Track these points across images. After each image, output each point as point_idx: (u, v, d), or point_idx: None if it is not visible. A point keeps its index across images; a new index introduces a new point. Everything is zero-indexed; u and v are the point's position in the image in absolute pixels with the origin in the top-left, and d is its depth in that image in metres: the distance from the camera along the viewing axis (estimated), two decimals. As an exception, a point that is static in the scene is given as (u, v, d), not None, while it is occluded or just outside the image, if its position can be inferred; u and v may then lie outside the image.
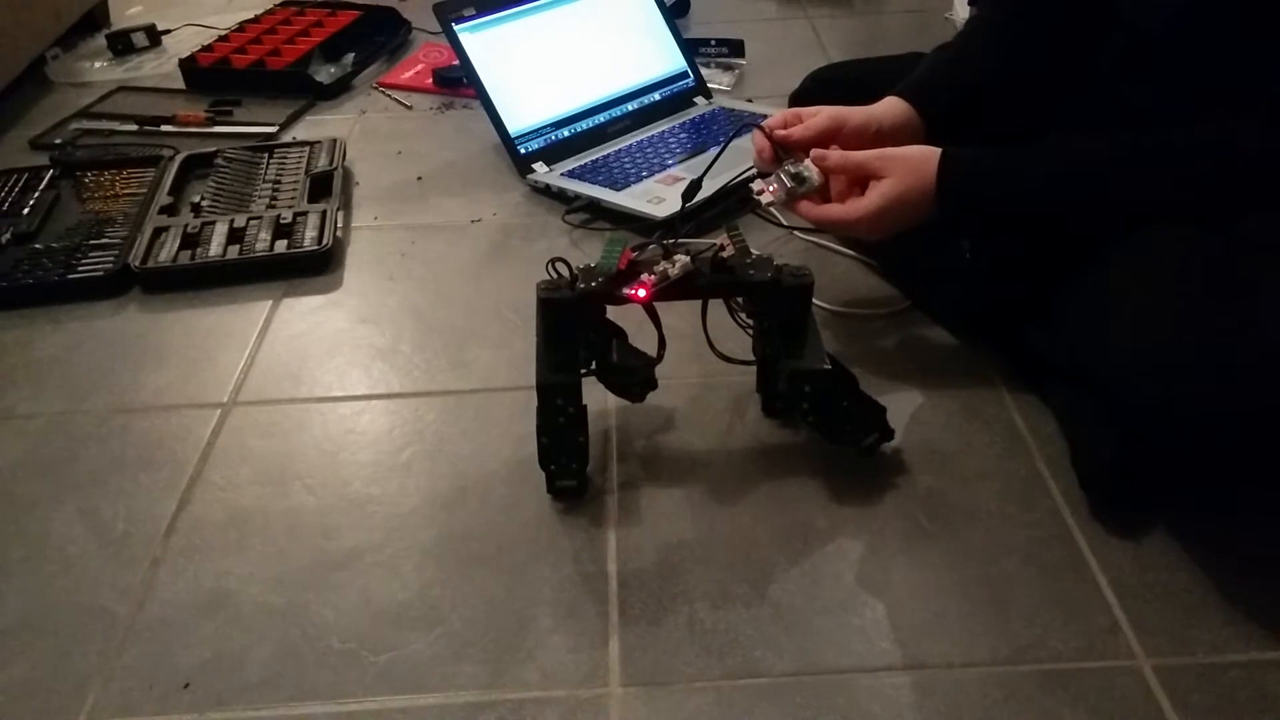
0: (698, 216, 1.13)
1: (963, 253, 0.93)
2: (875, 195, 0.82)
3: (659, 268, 0.73)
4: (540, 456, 0.78)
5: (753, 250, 0.76)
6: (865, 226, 0.84)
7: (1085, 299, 0.78)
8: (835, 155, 0.85)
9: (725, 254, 0.75)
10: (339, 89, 1.54)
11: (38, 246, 1.14)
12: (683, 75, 1.39)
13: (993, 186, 0.80)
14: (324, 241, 1.12)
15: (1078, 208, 0.78)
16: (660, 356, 0.77)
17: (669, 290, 0.74)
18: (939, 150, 0.82)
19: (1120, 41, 0.88)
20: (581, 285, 0.73)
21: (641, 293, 0.73)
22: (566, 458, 0.78)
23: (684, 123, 1.33)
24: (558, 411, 0.75)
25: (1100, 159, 0.78)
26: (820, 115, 0.89)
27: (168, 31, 1.76)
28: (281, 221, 1.15)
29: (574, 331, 0.75)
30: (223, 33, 1.68)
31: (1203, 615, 0.69)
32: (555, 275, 0.75)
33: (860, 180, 0.84)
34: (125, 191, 1.25)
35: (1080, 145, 0.79)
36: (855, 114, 0.90)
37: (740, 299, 0.80)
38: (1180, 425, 0.68)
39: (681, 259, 0.74)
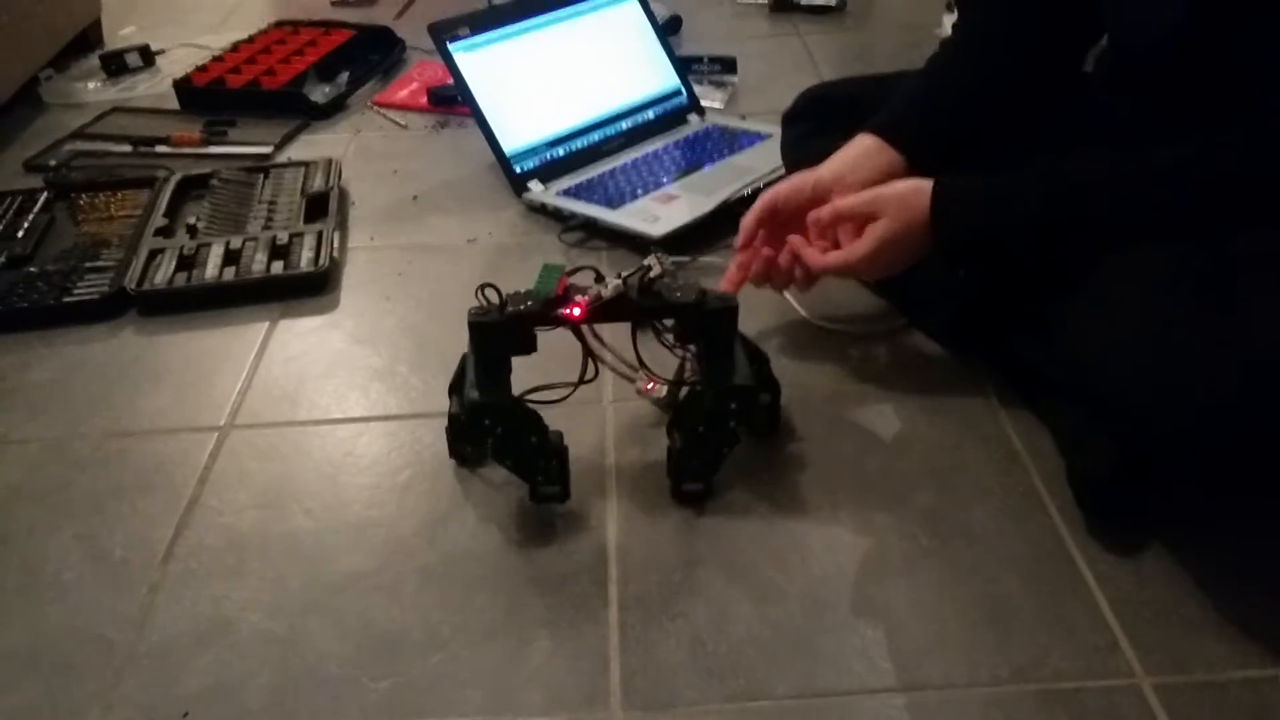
0: (691, 238, 1.13)
1: (956, 268, 0.93)
2: (869, 237, 0.83)
3: (591, 290, 0.75)
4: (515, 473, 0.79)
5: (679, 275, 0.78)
6: (863, 268, 0.85)
7: (1079, 315, 0.78)
8: (825, 212, 0.87)
9: (652, 275, 0.77)
10: (334, 108, 1.55)
11: (33, 269, 1.14)
12: (676, 93, 1.40)
13: (988, 213, 0.81)
14: (320, 262, 1.12)
15: (1075, 229, 0.78)
16: (587, 379, 0.78)
17: (601, 312, 0.75)
18: (930, 182, 0.82)
19: (1110, 61, 0.88)
20: (510, 309, 0.74)
21: (577, 311, 0.75)
22: (544, 460, 0.78)
23: (678, 140, 1.34)
24: (486, 432, 0.76)
25: (1096, 180, 0.78)
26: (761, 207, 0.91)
27: (161, 52, 1.76)
28: (278, 243, 1.15)
29: (504, 355, 0.76)
30: (217, 53, 1.68)
31: (1202, 632, 0.69)
32: (485, 302, 0.76)
33: (861, 224, 0.85)
34: (120, 213, 1.25)
35: (1075, 167, 0.79)
36: (811, 180, 0.90)
37: (668, 322, 0.80)
38: (1173, 440, 0.69)
39: (614, 282, 0.76)
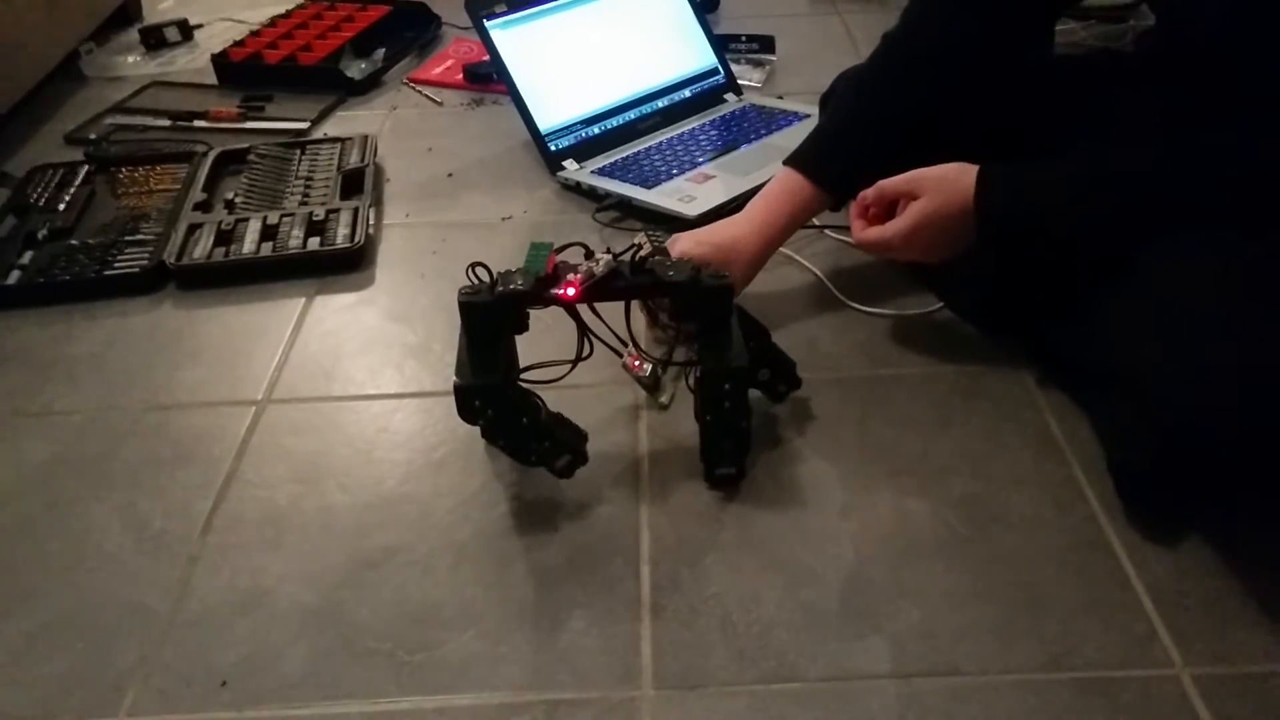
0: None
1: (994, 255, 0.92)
2: (908, 215, 0.83)
3: (583, 267, 0.74)
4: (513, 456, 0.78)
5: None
6: (899, 244, 0.84)
7: (1121, 304, 0.77)
8: (870, 192, 0.87)
9: (643, 253, 0.76)
10: (370, 84, 1.55)
11: (74, 243, 1.15)
12: (713, 72, 1.38)
13: (1031, 196, 0.79)
14: (356, 239, 1.12)
15: (1118, 214, 0.77)
16: (583, 356, 0.77)
17: (594, 290, 0.74)
18: (975, 167, 0.81)
19: (1157, 42, 0.86)
20: (500, 288, 0.73)
21: (570, 291, 0.73)
22: (536, 443, 0.77)
23: (714, 120, 1.33)
24: (477, 414, 0.75)
25: (1140, 166, 0.76)
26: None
27: (200, 26, 1.77)
28: (314, 219, 1.15)
29: (495, 336, 0.76)
30: (254, 27, 1.69)
31: (1242, 623, 0.68)
32: (475, 280, 0.75)
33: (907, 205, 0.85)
34: (159, 187, 1.26)
35: (1120, 153, 0.78)
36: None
37: (661, 302, 0.79)
38: (1216, 431, 0.67)
39: (605, 258, 0.74)
